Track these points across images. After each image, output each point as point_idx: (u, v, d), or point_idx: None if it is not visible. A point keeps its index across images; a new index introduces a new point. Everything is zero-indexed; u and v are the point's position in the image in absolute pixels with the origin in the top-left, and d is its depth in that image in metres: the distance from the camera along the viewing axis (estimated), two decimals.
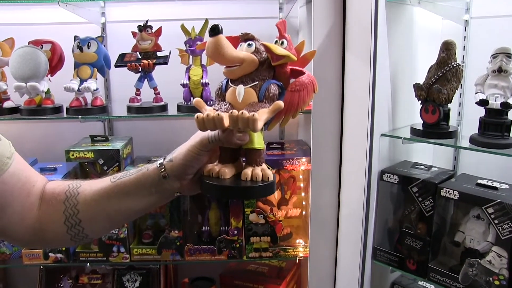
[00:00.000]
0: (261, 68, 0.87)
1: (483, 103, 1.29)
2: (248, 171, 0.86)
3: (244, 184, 0.85)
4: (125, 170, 0.95)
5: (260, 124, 0.78)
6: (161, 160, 0.89)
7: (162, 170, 0.88)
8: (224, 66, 0.87)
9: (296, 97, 0.85)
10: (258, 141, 0.88)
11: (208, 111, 0.81)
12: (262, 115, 0.80)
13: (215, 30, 0.80)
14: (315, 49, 0.94)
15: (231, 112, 0.77)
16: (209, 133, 0.84)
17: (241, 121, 0.76)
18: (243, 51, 0.86)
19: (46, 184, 0.95)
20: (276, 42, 0.90)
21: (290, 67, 0.89)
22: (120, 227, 1.83)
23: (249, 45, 0.87)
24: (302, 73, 0.89)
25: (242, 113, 0.76)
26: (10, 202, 0.86)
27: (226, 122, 0.78)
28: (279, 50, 0.85)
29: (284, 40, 0.90)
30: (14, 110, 1.88)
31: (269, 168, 0.90)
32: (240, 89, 0.85)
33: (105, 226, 0.98)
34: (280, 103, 0.81)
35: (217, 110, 0.83)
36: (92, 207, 0.91)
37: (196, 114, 0.80)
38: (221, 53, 0.81)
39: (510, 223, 1.22)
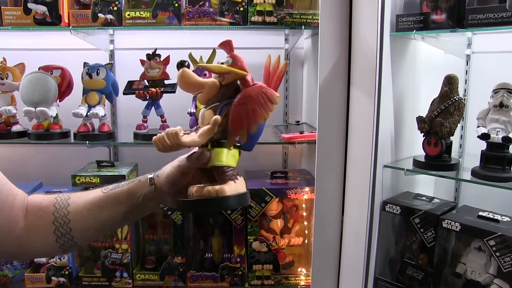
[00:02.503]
0: (225, 89, 0.90)
1: (484, 137, 1.32)
2: (192, 188, 0.88)
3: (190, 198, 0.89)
4: (110, 184, 1.00)
5: (185, 138, 0.84)
6: (151, 175, 0.97)
7: (152, 182, 0.96)
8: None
9: (244, 110, 0.86)
10: (219, 159, 0.89)
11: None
12: (202, 131, 0.86)
13: (183, 64, 1.00)
14: (287, 61, 0.99)
15: (161, 133, 0.86)
16: (180, 159, 0.94)
17: (168, 138, 0.84)
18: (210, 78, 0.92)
19: (28, 197, 0.98)
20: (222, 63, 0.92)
21: (260, 83, 0.90)
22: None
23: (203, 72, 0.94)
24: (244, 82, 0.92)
25: (166, 131, 0.84)
26: None
27: (167, 140, 0.84)
28: (218, 68, 0.90)
29: (229, 59, 0.91)
30: (22, 134, 1.91)
31: (244, 179, 0.93)
32: (202, 112, 0.92)
33: (96, 233, 1.04)
34: (217, 118, 0.85)
35: (189, 134, 0.89)
36: (84, 217, 0.96)
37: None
38: (185, 82, 0.87)
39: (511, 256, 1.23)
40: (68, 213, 0.95)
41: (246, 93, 0.88)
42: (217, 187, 0.86)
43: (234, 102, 0.88)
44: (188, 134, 0.89)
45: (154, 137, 0.86)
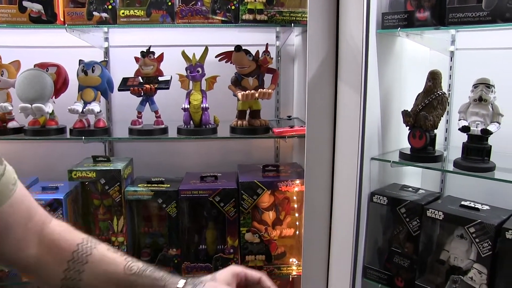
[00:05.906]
0: (256, 67, 1.87)
1: (465, 129, 1.38)
2: (257, 121, 1.89)
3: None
4: (136, 263, 0.91)
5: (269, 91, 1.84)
6: (181, 285, 0.87)
7: None
8: (238, 67, 1.88)
9: (275, 81, 1.93)
10: (258, 105, 1.92)
11: (243, 92, 1.81)
12: (271, 89, 1.84)
13: (240, 48, 1.84)
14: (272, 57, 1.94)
15: (260, 90, 1.80)
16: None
17: (266, 95, 1.79)
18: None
19: (51, 222, 0.93)
20: (264, 53, 1.89)
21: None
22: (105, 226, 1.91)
23: (250, 55, 1.87)
24: (274, 70, 1.97)
25: (266, 90, 1.80)
26: (12, 226, 0.85)
27: (256, 96, 1.80)
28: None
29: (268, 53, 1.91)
30: (18, 130, 1.93)
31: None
32: (250, 80, 1.88)
33: None
34: (274, 86, 1.90)
35: (240, 91, 1.82)
36: (96, 283, 0.89)
37: (240, 94, 1.82)
38: (242, 62, 1.86)
39: (489, 242, 1.29)
40: (83, 271, 0.88)
41: (277, 73, 1.97)
42: (263, 120, 1.94)
43: (273, 78, 1.94)
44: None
45: (243, 93, 1.80)
